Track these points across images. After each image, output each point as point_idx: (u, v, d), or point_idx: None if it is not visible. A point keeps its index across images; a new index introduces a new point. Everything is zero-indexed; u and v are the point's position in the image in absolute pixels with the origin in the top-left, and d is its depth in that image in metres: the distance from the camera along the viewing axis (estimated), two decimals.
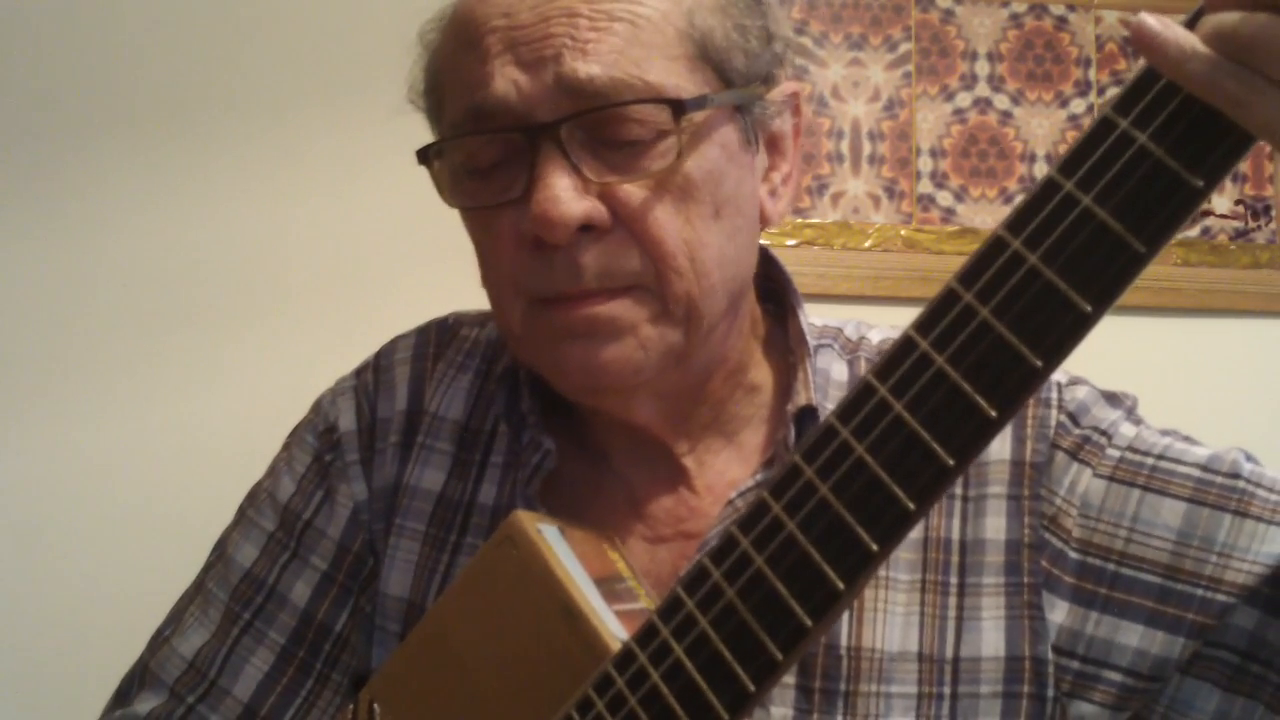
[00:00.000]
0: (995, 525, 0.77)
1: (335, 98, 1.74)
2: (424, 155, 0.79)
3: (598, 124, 0.73)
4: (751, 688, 0.57)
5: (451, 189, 0.78)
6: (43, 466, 1.62)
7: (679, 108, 0.73)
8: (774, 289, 0.89)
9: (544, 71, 0.72)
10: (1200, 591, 0.72)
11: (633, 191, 0.73)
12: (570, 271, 0.73)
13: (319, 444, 0.89)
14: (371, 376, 0.91)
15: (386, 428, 0.88)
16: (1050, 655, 0.75)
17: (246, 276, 1.69)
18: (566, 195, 0.71)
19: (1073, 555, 0.75)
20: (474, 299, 1.71)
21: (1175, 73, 0.50)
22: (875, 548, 0.54)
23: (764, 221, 0.83)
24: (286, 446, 0.92)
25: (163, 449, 1.64)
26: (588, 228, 0.73)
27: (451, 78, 0.78)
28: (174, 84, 1.71)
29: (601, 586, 0.68)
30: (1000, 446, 0.78)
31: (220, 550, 0.90)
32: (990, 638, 0.76)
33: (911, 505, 0.54)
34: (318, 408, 0.92)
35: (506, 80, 0.73)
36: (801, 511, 0.56)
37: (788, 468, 0.57)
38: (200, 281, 1.69)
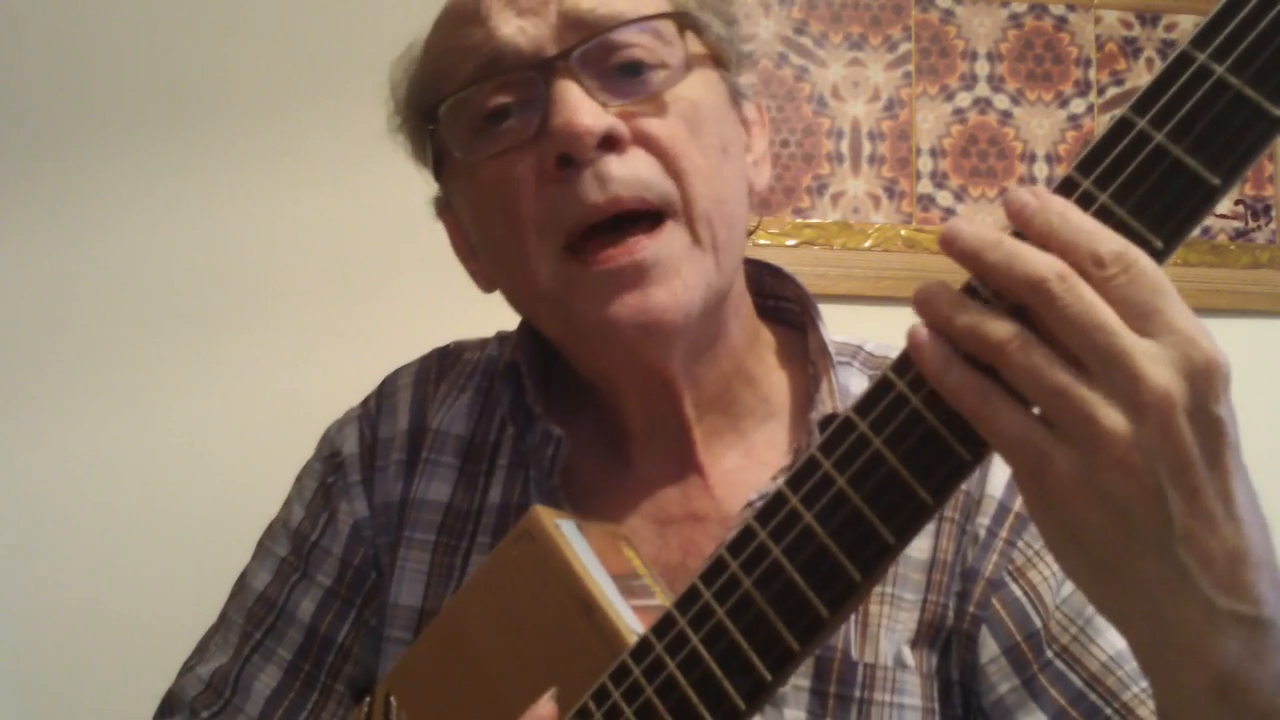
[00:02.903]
0: (975, 555, 0.79)
1: (332, 96, 1.74)
2: (432, 116, 0.80)
3: (604, 54, 0.76)
4: (768, 677, 0.57)
5: (465, 149, 0.80)
6: (36, 467, 1.62)
7: (681, 20, 0.78)
8: (786, 308, 0.91)
9: (546, 13, 0.76)
10: (1109, 711, 0.74)
11: (648, 114, 0.76)
12: (598, 182, 0.74)
13: (324, 469, 0.92)
14: (374, 403, 0.93)
15: (388, 447, 0.90)
16: (971, 688, 0.77)
17: (242, 276, 1.69)
18: (587, 107, 0.74)
19: (1030, 617, 0.77)
20: (471, 298, 1.71)
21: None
22: (892, 540, 0.55)
23: (751, 189, 0.85)
24: (298, 479, 0.94)
25: (157, 449, 1.64)
26: (609, 145, 0.75)
27: (449, 59, 0.80)
28: (169, 82, 1.70)
29: (618, 582, 0.68)
30: (995, 485, 0.80)
31: (240, 581, 0.93)
32: (946, 658, 0.78)
33: (929, 499, 0.54)
34: (325, 438, 0.94)
35: (512, 27, 0.76)
36: (819, 503, 0.57)
37: (805, 460, 0.58)
38: (196, 281, 1.68)
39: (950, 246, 0.53)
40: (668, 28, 0.78)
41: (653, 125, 0.76)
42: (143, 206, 1.69)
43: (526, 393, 0.86)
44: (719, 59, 0.82)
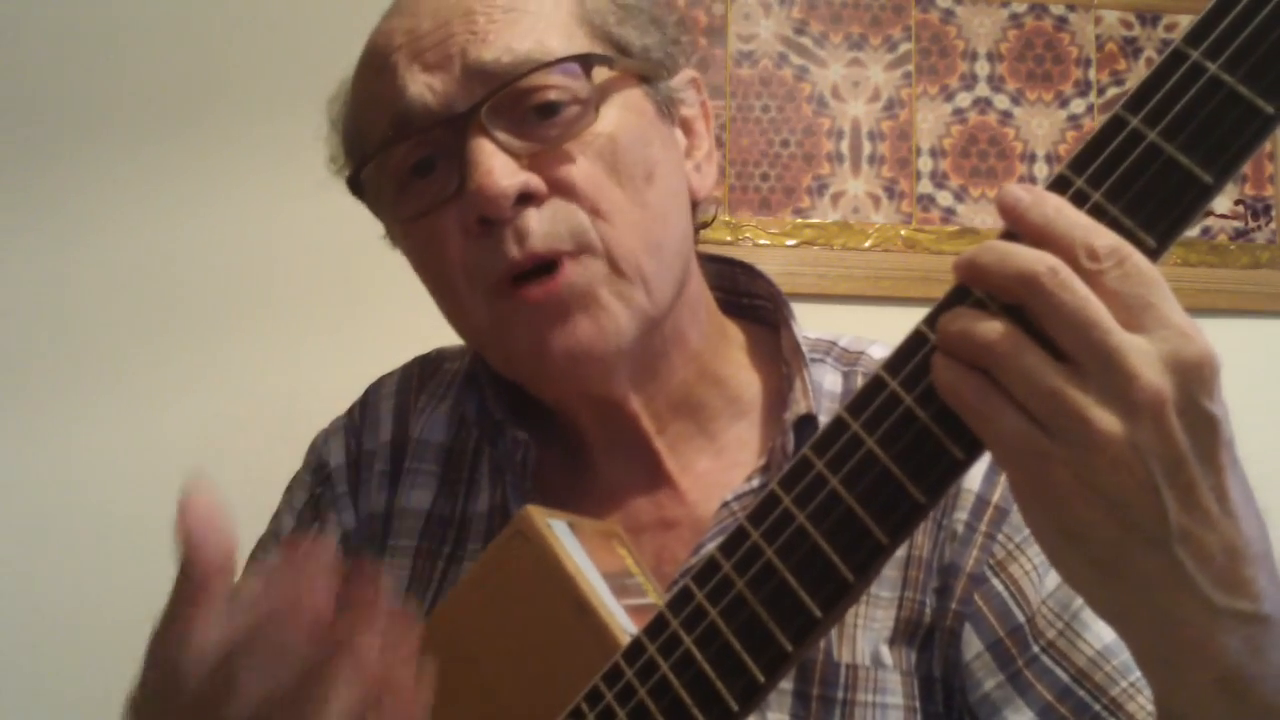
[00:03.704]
0: (954, 551, 0.78)
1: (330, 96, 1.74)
2: (355, 184, 0.82)
3: (515, 100, 0.76)
4: (762, 678, 0.57)
5: (392, 209, 0.81)
6: (33, 467, 1.62)
7: (585, 61, 0.77)
8: (759, 305, 0.90)
9: (452, 67, 0.76)
10: (1097, 707, 0.74)
11: (564, 159, 0.76)
12: (516, 238, 0.75)
13: (313, 481, 0.92)
14: (359, 413, 0.94)
15: (372, 458, 0.91)
16: (954, 684, 0.77)
17: (241, 277, 1.69)
18: (501, 167, 0.74)
19: (1013, 611, 0.76)
20: None
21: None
22: (885, 540, 0.55)
23: (694, 196, 0.85)
24: (288, 489, 0.95)
25: (155, 449, 1.63)
26: (526, 199, 0.75)
27: (368, 113, 0.81)
28: (167, 82, 1.70)
29: (611, 581, 0.68)
30: (971, 479, 0.80)
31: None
32: (925, 655, 0.77)
33: (922, 499, 0.54)
34: (312, 449, 0.95)
35: (419, 84, 0.76)
36: (812, 504, 0.57)
37: (798, 460, 0.58)
38: (194, 282, 1.68)
39: (955, 268, 0.53)
40: (574, 67, 0.78)
41: (569, 172, 0.76)
42: (140, 207, 1.68)
43: (487, 400, 0.86)
44: (643, 74, 0.81)
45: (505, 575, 0.68)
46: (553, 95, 0.76)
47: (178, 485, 1.72)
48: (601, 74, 0.78)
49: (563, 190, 0.76)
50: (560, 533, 0.68)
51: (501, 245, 0.75)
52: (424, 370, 0.95)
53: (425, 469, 0.89)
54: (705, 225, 0.89)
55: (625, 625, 0.65)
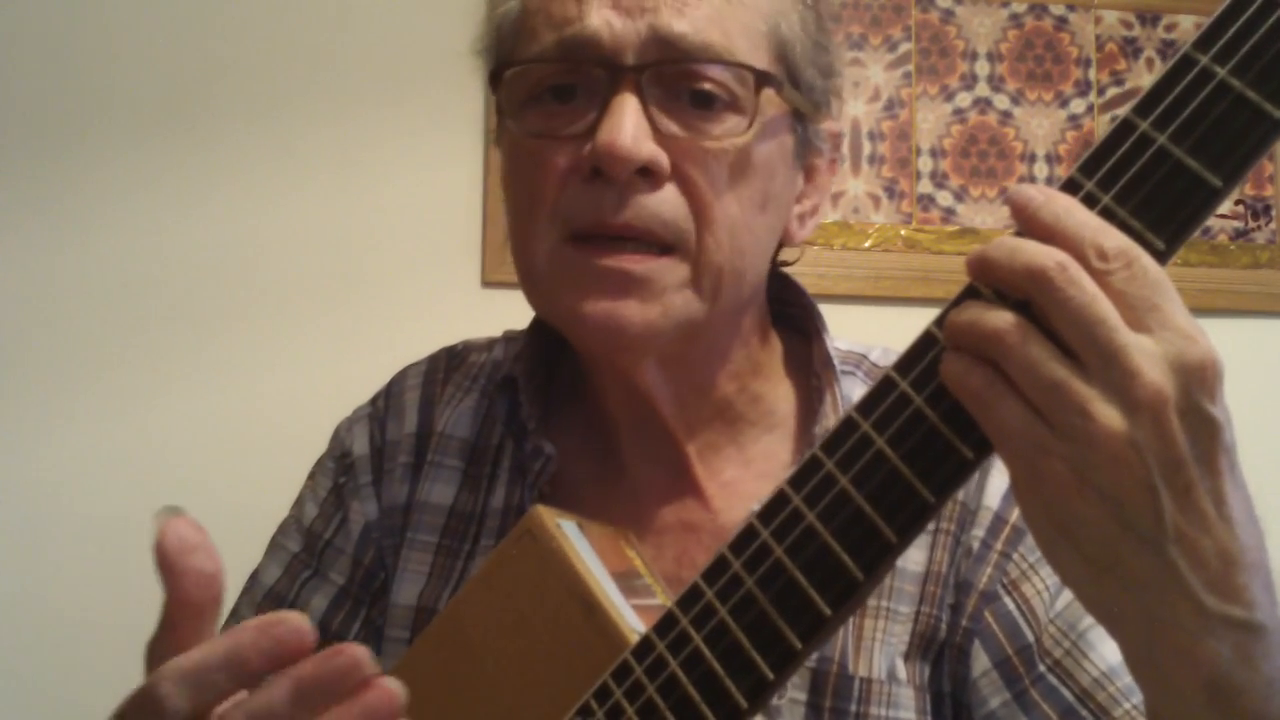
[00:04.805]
0: (968, 567, 0.79)
1: (324, 96, 1.74)
2: (496, 77, 0.81)
3: (677, 79, 0.76)
4: (770, 676, 0.58)
5: (515, 117, 0.80)
6: (24, 466, 1.62)
7: (762, 78, 0.77)
8: (792, 314, 0.91)
9: (639, 19, 0.75)
10: None
11: (697, 153, 0.76)
12: (618, 204, 0.74)
13: (336, 468, 0.92)
14: (384, 403, 0.94)
15: (395, 449, 0.91)
16: (962, 700, 0.77)
17: (233, 275, 1.69)
18: (636, 131, 0.73)
19: (1022, 630, 0.77)
20: (466, 296, 1.71)
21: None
22: (894, 539, 0.55)
23: (787, 241, 0.85)
24: (311, 476, 0.95)
25: (147, 448, 1.64)
26: (646, 173, 0.74)
27: (541, 18, 0.79)
28: (160, 80, 1.71)
29: (619, 581, 0.68)
30: (991, 497, 0.80)
31: (252, 578, 0.93)
32: (938, 670, 0.78)
33: (931, 498, 0.54)
34: (336, 436, 0.95)
35: (601, 19, 0.76)
36: (821, 503, 0.57)
37: (808, 460, 0.58)
38: (186, 280, 1.68)
39: (966, 265, 0.54)
40: (749, 77, 0.77)
41: (698, 165, 0.76)
42: (133, 205, 1.69)
43: (521, 407, 0.86)
44: (799, 110, 0.81)
45: (514, 574, 0.69)
46: (713, 89, 0.76)
47: (167, 485, 1.72)
48: (768, 96, 0.78)
49: (683, 181, 0.76)
50: (569, 533, 0.69)
51: (602, 201, 0.74)
52: (450, 362, 0.95)
53: (448, 463, 0.89)
54: (785, 244, 0.88)
55: (633, 624, 0.65)
